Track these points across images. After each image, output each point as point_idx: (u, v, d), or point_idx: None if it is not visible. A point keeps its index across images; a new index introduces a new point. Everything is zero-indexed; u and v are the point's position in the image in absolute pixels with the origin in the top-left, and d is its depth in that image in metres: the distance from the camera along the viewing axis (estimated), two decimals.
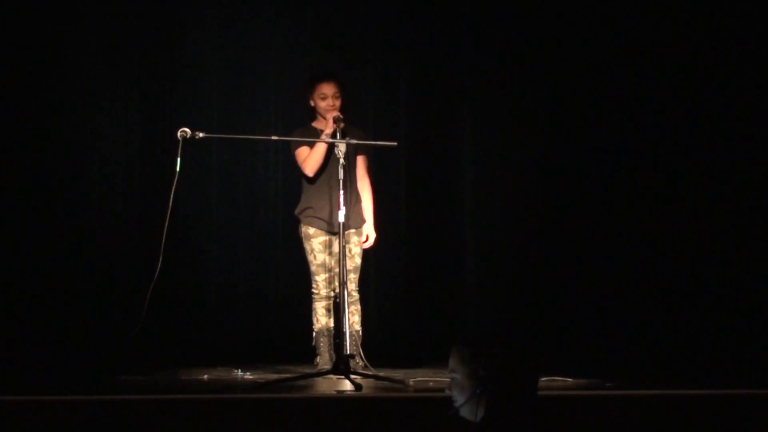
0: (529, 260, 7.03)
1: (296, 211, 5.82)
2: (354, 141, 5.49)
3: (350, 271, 5.64)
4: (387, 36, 7.11)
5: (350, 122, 5.76)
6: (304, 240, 5.77)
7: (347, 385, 4.91)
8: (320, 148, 5.60)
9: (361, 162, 5.83)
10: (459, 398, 2.70)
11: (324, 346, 5.68)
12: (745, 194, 6.70)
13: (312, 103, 5.73)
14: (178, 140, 5.07)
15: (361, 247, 5.77)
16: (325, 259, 5.69)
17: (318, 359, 5.71)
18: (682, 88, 6.80)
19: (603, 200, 6.93)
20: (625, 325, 6.74)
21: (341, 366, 5.03)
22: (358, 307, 5.72)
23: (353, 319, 5.66)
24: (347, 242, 5.65)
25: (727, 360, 6.25)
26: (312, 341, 5.76)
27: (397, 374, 5.39)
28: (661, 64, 6.86)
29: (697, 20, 6.69)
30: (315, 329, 5.73)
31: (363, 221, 5.82)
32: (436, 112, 7.10)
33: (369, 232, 5.84)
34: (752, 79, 6.62)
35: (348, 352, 5.12)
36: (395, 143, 5.68)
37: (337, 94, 5.68)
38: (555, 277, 6.98)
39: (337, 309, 5.58)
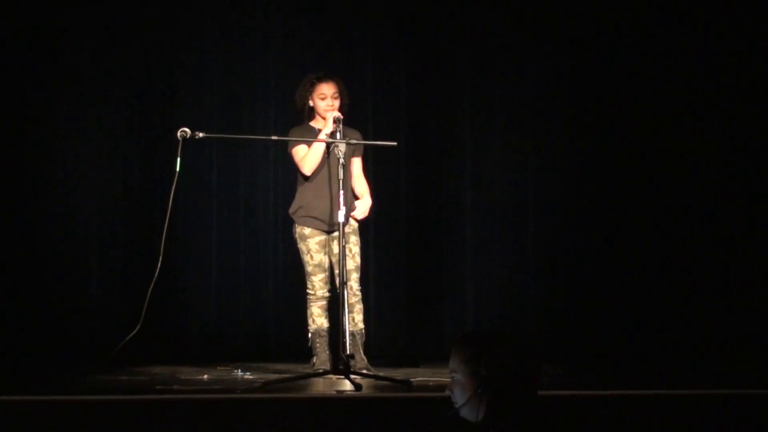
0: (528, 259, 7.03)
1: (290, 211, 5.79)
2: (354, 141, 5.48)
3: (352, 270, 5.63)
4: (387, 36, 7.10)
5: (347, 124, 5.76)
6: (299, 240, 5.73)
7: (347, 385, 4.90)
8: (320, 148, 5.59)
9: (358, 163, 5.82)
10: (460, 398, 2.69)
11: (321, 347, 5.66)
12: (742, 192, 6.71)
13: (311, 103, 5.72)
14: (178, 140, 5.07)
15: (359, 247, 5.73)
16: (321, 259, 5.67)
17: (314, 359, 5.69)
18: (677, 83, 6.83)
19: (602, 200, 6.92)
20: (625, 325, 6.75)
21: (341, 366, 5.02)
22: (361, 306, 5.71)
23: (358, 317, 5.65)
24: (347, 242, 5.64)
25: (727, 360, 6.25)
26: (308, 343, 5.74)
27: (397, 374, 5.39)
28: (664, 62, 6.87)
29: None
30: (311, 330, 5.70)
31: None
32: (436, 111, 7.10)
33: (360, 204, 5.71)
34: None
35: (348, 352, 5.11)
36: (395, 143, 5.68)
37: (336, 95, 5.67)
38: (554, 276, 6.98)
39: (337, 308, 5.56)
